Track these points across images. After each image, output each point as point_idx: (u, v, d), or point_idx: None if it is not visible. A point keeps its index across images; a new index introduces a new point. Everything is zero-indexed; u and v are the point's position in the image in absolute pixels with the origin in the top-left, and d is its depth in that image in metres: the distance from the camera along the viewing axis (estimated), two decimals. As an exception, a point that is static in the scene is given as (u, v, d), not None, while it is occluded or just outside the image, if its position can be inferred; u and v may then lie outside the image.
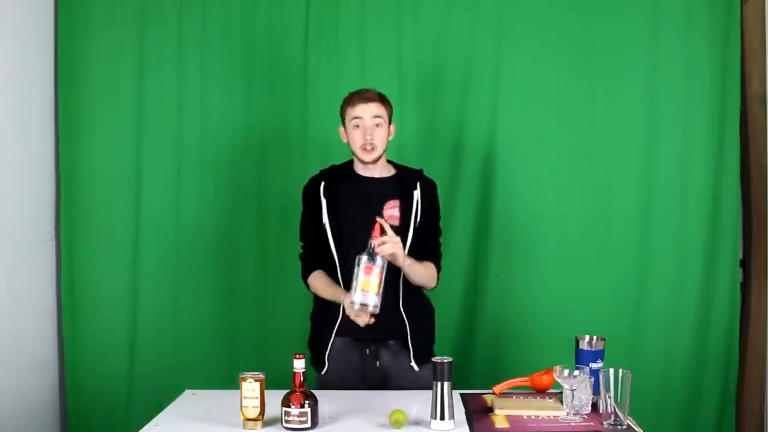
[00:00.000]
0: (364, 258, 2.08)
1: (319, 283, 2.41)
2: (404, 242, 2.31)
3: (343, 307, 2.28)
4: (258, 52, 3.09)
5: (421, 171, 2.48)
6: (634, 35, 3.05)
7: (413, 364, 2.34)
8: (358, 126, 2.33)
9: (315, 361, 2.42)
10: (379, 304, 2.08)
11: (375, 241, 2.11)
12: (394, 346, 2.36)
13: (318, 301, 2.44)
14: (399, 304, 2.34)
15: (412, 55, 3.08)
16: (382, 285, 2.08)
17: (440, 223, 2.49)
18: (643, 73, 3.05)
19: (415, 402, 2.06)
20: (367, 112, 2.32)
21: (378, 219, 2.16)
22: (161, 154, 3.10)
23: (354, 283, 2.09)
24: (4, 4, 2.80)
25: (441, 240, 2.49)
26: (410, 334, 2.34)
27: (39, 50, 3.04)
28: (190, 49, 3.09)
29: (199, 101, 3.10)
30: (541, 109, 3.06)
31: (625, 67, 3.05)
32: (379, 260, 2.08)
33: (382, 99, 2.37)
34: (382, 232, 2.15)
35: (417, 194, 2.38)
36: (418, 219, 2.37)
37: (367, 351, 2.37)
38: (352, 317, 2.20)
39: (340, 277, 2.36)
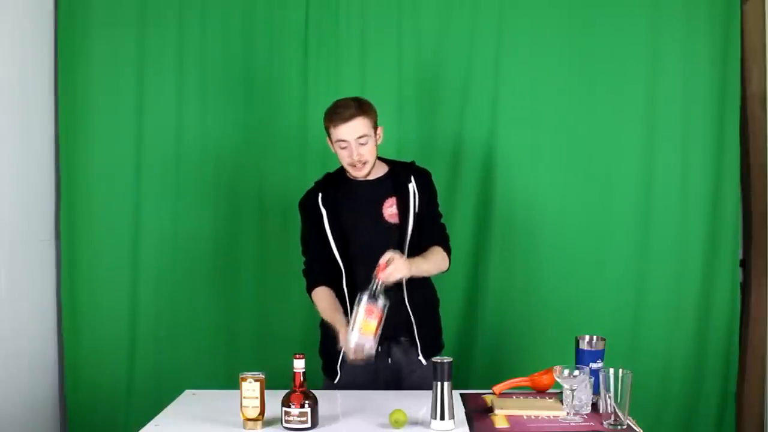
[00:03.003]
0: (365, 297, 2.01)
1: (321, 303, 2.37)
2: (404, 237, 2.31)
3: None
4: (258, 53, 3.09)
5: (412, 163, 2.45)
6: (634, 35, 3.04)
7: (421, 357, 2.34)
8: (344, 148, 2.28)
9: (326, 369, 2.41)
10: (374, 348, 2.03)
11: (379, 277, 2.05)
12: (405, 343, 2.37)
13: None
14: (405, 300, 2.32)
15: (411, 55, 3.08)
16: (381, 328, 2.03)
17: (440, 210, 2.47)
18: (643, 73, 3.05)
19: (415, 402, 2.06)
20: (351, 134, 2.24)
21: (382, 260, 2.08)
22: (161, 154, 3.10)
23: (353, 321, 2.03)
24: (4, 4, 2.80)
25: (443, 222, 2.46)
26: (416, 328, 2.34)
27: (39, 50, 3.04)
28: (189, 50, 3.09)
29: (199, 101, 3.10)
30: (541, 109, 3.05)
31: (625, 67, 3.04)
32: (381, 301, 2.01)
33: (363, 110, 2.27)
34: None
35: (412, 187, 2.36)
36: (417, 210, 2.35)
37: (379, 348, 2.34)
38: (345, 351, 2.18)
39: (345, 287, 2.34)
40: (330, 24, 3.08)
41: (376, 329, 1.99)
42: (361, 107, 2.28)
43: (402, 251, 2.27)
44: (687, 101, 3.05)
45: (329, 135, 2.32)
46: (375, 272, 2.05)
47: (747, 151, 3.09)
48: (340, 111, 2.26)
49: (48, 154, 3.09)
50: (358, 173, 2.31)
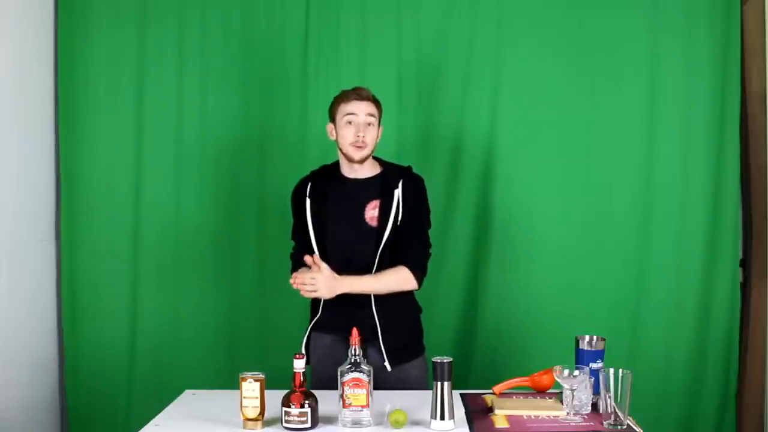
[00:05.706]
0: (347, 368, 1.92)
1: None
2: (380, 243, 2.31)
3: (323, 304, 2.34)
4: (258, 52, 3.09)
5: (407, 168, 2.45)
6: (635, 35, 3.04)
7: (386, 364, 2.31)
8: (350, 122, 2.32)
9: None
10: (370, 419, 1.92)
11: (356, 344, 1.93)
12: (377, 346, 2.32)
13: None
14: (371, 304, 2.31)
15: (411, 54, 3.08)
16: (372, 394, 1.93)
17: (430, 218, 2.44)
18: (643, 73, 3.05)
19: (415, 402, 2.06)
20: (362, 109, 2.33)
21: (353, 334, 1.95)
22: (161, 153, 3.10)
23: (341, 398, 1.92)
24: (4, 4, 2.80)
25: (428, 234, 2.43)
26: (381, 334, 2.31)
27: (39, 50, 3.04)
28: (190, 49, 3.09)
29: (199, 101, 3.10)
30: (541, 109, 3.05)
31: (625, 67, 3.05)
32: (364, 367, 1.91)
33: (375, 100, 2.38)
34: (359, 336, 1.95)
35: (398, 193, 2.34)
36: (399, 218, 2.34)
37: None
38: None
39: None
40: (330, 24, 3.08)
41: (367, 398, 1.91)
42: (374, 98, 2.39)
43: (374, 258, 2.30)
44: (687, 101, 3.05)
45: (334, 115, 2.37)
46: (351, 341, 1.93)
47: (747, 151, 3.09)
48: (357, 90, 2.36)
49: (48, 154, 3.09)
50: (357, 154, 2.32)
